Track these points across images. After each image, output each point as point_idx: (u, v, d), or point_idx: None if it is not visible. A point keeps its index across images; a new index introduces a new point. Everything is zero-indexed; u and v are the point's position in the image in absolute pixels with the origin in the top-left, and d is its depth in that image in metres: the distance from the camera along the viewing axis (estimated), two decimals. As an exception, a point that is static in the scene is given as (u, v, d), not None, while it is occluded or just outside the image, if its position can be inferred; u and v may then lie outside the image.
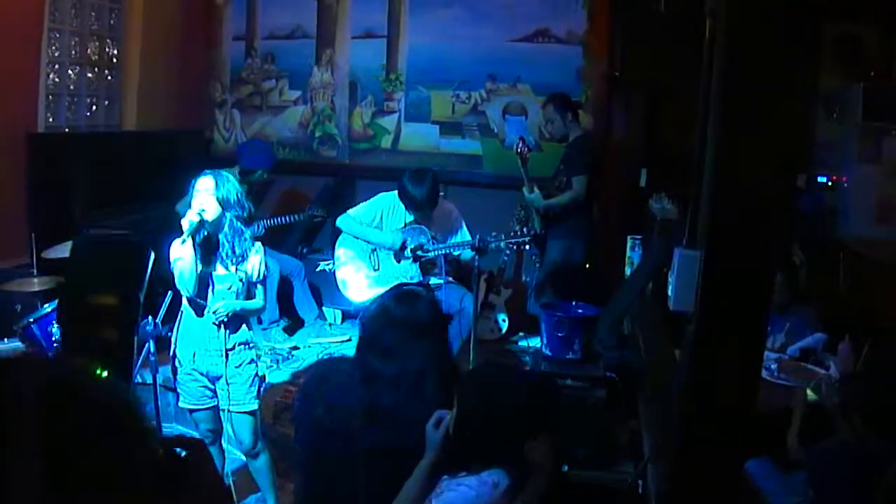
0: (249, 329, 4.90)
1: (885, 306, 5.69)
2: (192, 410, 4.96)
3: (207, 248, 4.69)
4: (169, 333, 6.70)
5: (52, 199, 7.17)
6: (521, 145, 7.08)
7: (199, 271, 4.67)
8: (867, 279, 6.19)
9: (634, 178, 7.74)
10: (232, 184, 4.71)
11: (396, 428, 3.13)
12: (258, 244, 4.84)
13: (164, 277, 6.43)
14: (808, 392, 4.62)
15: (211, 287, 4.72)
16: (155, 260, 7.11)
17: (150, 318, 4.99)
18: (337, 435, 3.26)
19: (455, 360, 4.28)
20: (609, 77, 8.10)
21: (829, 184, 6.88)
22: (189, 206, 4.72)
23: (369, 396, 3.16)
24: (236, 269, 4.71)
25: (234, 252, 4.71)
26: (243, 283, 4.74)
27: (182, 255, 4.60)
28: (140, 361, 5.56)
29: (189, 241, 4.57)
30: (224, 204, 4.63)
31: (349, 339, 7.56)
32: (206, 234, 4.65)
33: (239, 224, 4.70)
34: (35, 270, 6.06)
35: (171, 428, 6.33)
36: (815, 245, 6.57)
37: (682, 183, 4.38)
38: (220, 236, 4.68)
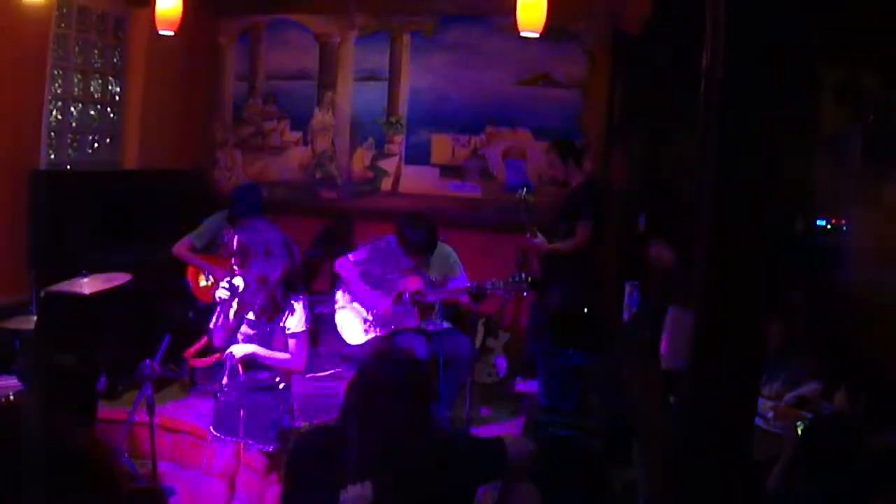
0: (275, 376, 4.91)
1: (885, 352, 5.69)
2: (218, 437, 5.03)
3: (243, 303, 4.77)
4: (167, 373, 6.75)
5: (54, 236, 7.17)
6: (525, 192, 7.13)
7: (230, 324, 4.75)
8: (867, 324, 6.19)
9: (633, 223, 7.75)
10: (264, 236, 4.73)
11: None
12: (298, 297, 4.89)
13: (164, 318, 6.46)
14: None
15: (236, 334, 4.79)
16: (157, 301, 7.16)
17: (147, 360, 5.00)
18: None
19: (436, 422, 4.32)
20: (608, 122, 8.13)
21: (829, 227, 6.89)
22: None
23: (355, 465, 3.15)
24: (268, 321, 4.76)
25: (267, 310, 4.75)
26: (271, 333, 4.77)
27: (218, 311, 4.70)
28: (137, 402, 5.57)
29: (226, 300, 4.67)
30: (249, 261, 4.68)
31: (343, 379, 7.56)
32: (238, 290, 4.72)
33: (266, 280, 4.73)
34: (35, 308, 6.06)
35: (168, 467, 6.34)
36: (813, 289, 6.57)
37: (680, 228, 4.41)
38: (245, 292, 4.73)
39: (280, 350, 4.84)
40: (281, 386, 4.90)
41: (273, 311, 4.76)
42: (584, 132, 8.23)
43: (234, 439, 4.94)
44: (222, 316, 4.82)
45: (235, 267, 4.75)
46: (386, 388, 3.23)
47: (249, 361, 4.78)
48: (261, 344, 4.81)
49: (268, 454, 4.90)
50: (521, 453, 3.28)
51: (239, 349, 4.75)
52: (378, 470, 3.05)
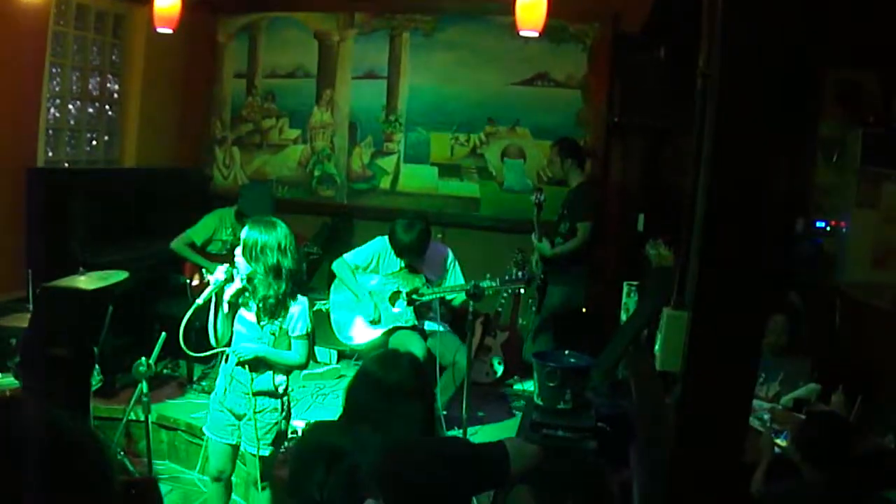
0: (276, 379, 4.84)
1: (882, 354, 5.68)
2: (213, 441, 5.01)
3: (240, 299, 4.72)
4: (165, 371, 6.73)
5: (51, 234, 7.16)
6: (538, 195, 7.11)
7: (228, 320, 4.70)
8: (864, 326, 6.18)
9: (632, 223, 7.74)
10: (273, 234, 4.68)
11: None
12: (301, 298, 4.79)
13: (161, 315, 6.44)
14: (780, 441, 4.67)
15: (238, 334, 4.75)
16: (154, 299, 7.15)
17: (143, 358, 4.99)
18: None
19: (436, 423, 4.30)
20: (608, 121, 8.12)
21: (828, 229, 6.88)
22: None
23: (356, 467, 3.13)
24: (269, 322, 4.70)
25: (266, 305, 4.69)
26: (275, 336, 4.73)
27: (214, 305, 4.65)
28: (133, 400, 5.56)
29: (215, 294, 4.62)
30: (254, 257, 4.62)
31: (342, 377, 7.56)
32: (240, 286, 4.67)
33: (272, 278, 4.66)
34: (31, 305, 6.05)
35: (164, 465, 6.34)
36: (812, 291, 6.56)
37: (678, 229, 4.40)
38: (252, 288, 4.68)
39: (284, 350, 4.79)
40: (280, 390, 4.86)
41: (276, 307, 4.70)
42: (584, 131, 8.21)
43: (229, 442, 4.92)
44: (218, 309, 4.76)
45: (243, 260, 4.69)
46: (392, 390, 3.22)
47: (254, 362, 4.74)
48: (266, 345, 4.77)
49: (263, 458, 4.88)
50: (524, 460, 3.25)
51: (245, 351, 4.71)
52: (385, 475, 3.04)
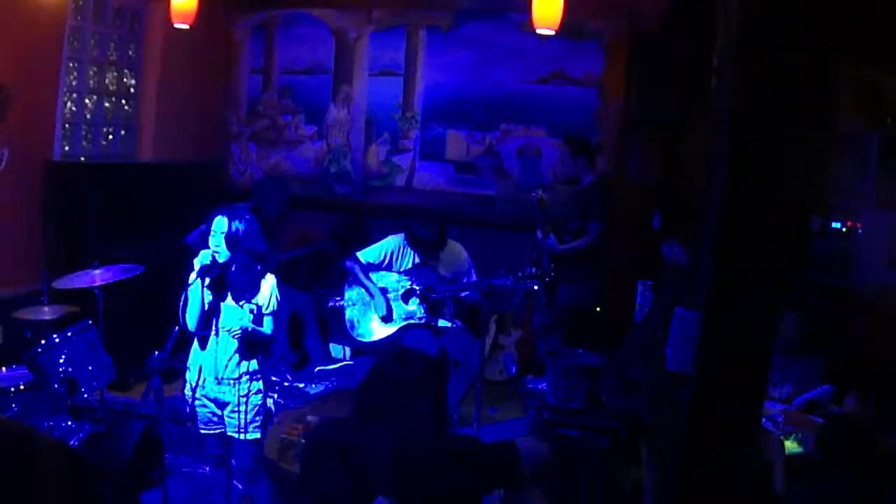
0: (258, 361, 4.94)
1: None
2: (203, 434, 5.11)
3: (218, 285, 4.78)
4: (180, 366, 6.75)
5: (66, 227, 7.19)
6: (540, 193, 7.09)
7: (206, 307, 4.75)
8: (879, 327, 6.15)
9: (648, 222, 7.71)
10: (244, 222, 4.77)
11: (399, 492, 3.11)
12: (270, 276, 4.95)
13: (175, 309, 6.45)
14: (789, 442, 4.64)
15: (218, 318, 4.80)
16: (168, 293, 7.17)
17: (156, 352, 5.00)
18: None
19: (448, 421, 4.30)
20: (624, 119, 8.09)
21: (844, 229, 6.84)
22: (201, 241, 4.83)
23: (367, 464, 3.13)
24: (245, 304, 4.78)
25: (243, 288, 4.78)
26: (253, 314, 4.81)
27: (191, 291, 4.69)
28: (146, 393, 5.57)
29: (198, 280, 4.67)
30: (233, 244, 4.71)
31: (355, 374, 7.55)
32: (216, 272, 4.73)
33: (248, 261, 4.77)
34: (46, 299, 6.06)
35: (177, 460, 6.34)
36: (827, 291, 6.53)
37: (694, 228, 4.38)
38: (230, 274, 4.76)
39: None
40: (259, 375, 4.93)
41: (254, 290, 4.84)
42: (601, 129, 8.19)
43: (218, 431, 4.98)
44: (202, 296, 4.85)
45: (222, 248, 4.78)
46: (407, 388, 3.21)
47: (242, 338, 4.81)
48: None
49: (255, 443, 4.94)
50: (535, 460, 3.25)
51: (229, 321, 4.79)
52: (397, 473, 3.04)
